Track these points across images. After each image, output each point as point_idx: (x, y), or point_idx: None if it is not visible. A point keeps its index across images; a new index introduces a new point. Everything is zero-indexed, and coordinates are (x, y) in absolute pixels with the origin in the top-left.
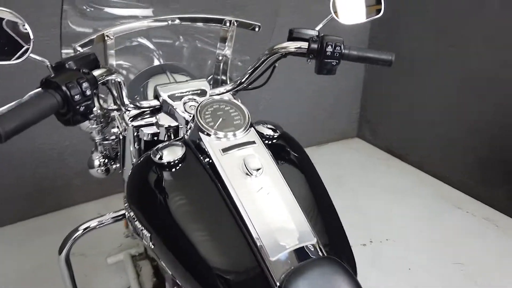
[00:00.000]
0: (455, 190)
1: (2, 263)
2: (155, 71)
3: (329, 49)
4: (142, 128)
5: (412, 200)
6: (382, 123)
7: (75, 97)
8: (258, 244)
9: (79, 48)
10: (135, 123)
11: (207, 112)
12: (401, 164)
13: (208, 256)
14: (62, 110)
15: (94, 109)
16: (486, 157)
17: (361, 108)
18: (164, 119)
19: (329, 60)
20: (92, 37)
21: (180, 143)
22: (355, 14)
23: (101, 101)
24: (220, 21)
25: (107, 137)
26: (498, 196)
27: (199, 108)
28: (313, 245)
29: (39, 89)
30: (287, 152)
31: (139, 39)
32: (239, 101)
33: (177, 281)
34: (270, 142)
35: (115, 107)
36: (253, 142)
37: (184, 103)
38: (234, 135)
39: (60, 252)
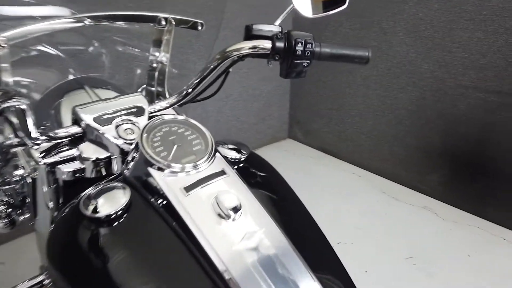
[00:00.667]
0: (390, 182)
1: None
2: (70, 87)
3: (299, 47)
4: (59, 166)
5: (353, 197)
6: (313, 122)
7: None
8: None
9: None
10: (49, 160)
11: (155, 138)
12: (336, 161)
13: None
14: None
15: None
16: (414, 146)
17: (291, 108)
18: (90, 150)
19: (299, 61)
20: None
21: (120, 185)
22: (318, 6)
23: None
24: (152, 20)
25: (7, 179)
26: (431, 183)
27: (144, 133)
28: None
29: None
30: (261, 178)
31: (44, 46)
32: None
33: None
34: (236, 167)
35: (16, 141)
36: (223, 173)
37: (117, 127)
38: (197, 166)
39: None
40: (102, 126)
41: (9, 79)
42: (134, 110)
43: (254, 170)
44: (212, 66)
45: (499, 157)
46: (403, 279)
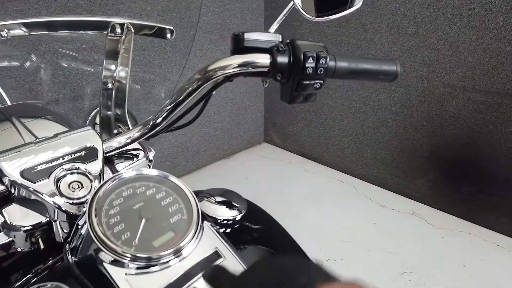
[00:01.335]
0: (375, 187)
1: None
2: None
3: (310, 63)
4: None
5: (337, 206)
6: (290, 125)
7: None
8: None
9: None
10: None
11: (112, 210)
12: (316, 166)
13: None
14: None
15: None
16: (399, 149)
17: (266, 111)
18: (18, 216)
19: (310, 82)
20: None
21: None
22: (325, 6)
23: None
24: (103, 26)
25: None
26: (418, 188)
27: (94, 204)
28: None
29: None
30: (262, 237)
31: None
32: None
33: None
34: (230, 229)
35: None
36: (217, 256)
37: (58, 181)
38: (179, 252)
39: None
40: (35, 181)
41: None
42: (82, 153)
43: (253, 231)
44: (190, 89)
45: (490, 159)
46: None
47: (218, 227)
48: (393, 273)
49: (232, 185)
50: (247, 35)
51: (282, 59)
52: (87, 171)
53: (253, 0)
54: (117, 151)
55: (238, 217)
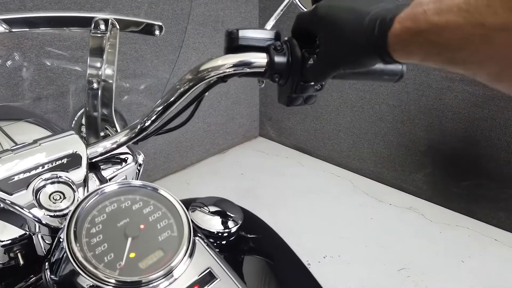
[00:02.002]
0: (372, 181)
1: None
2: None
3: (311, 63)
4: None
5: (334, 201)
6: (286, 119)
7: None
8: None
9: None
10: None
11: (93, 228)
12: (313, 160)
13: None
14: None
15: None
16: (396, 143)
17: (261, 104)
18: None
19: (309, 83)
20: None
21: None
22: None
23: None
24: (86, 22)
25: None
26: (416, 182)
27: (73, 222)
28: None
29: None
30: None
31: None
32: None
33: None
34: (225, 241)
35: None
36: (211, 276)
37: (37, 192)
38: (170, 273)
39: None
40: (12, 193)
41: None
42: (64, 160)
43: (250, 241)
44: (181, 90)
45: (488, 153)
46: None
47: (212, 240)
48: (391, 269)
49: (227, 180)
50: (242, 33)
51: (280, 59)
52: (70, 180)
53: None
54: (103, 157)
55: (234, 229)
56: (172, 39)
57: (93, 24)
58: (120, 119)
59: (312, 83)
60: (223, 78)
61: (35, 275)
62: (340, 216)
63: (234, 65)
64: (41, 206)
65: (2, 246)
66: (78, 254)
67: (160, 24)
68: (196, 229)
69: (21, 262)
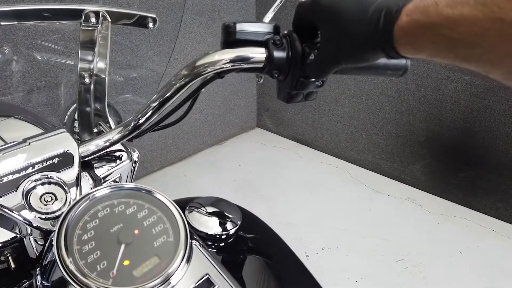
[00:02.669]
0: (370, 172)
1: None
2: None
3: (312, 58)
4: None
5: (332, 192)
6: (283, 109)
7: None
8: None
9: None
10: None
11: (85, 235)
12: (311, 151)
13: None
14: None
15: None
16: (394, 134)
17: (258, 95)
18: None
19: (309, 79)
20: None
21: None
22: None
23: None
24: (76, 15)
25: None
26: (414, 173)
27: (63, 229)
28: None
29: None
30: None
31: None
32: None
33: None
34: (223, 243)
35: None
36: (209, 283)
37: (27, 194)
38: (167, 281)
39: None
40: (1, 195)
41: None
42: (55, 160)
43: (248, 241)
44: (177, 85)
45: (486, 144)
46: (397, 287)
47: (210, 242)
48: (389, 261)
49: (224, 172)
50: (239, 26)
51: (279, 54)
52: (61, 181)
53: None
54: (96, 155)
55: (232, 231)
56: (167, 29)
57: (83, 17)
58: (114, 114)
59: (313, 79)
60: (220, 74)
61: (27, 279)
62: (338, 208)
63: (232, 61)
64: (31, 209)
65: None
66: (69, 263)
67: (154, 16)
68: (193, 233)
69: (12, 265)
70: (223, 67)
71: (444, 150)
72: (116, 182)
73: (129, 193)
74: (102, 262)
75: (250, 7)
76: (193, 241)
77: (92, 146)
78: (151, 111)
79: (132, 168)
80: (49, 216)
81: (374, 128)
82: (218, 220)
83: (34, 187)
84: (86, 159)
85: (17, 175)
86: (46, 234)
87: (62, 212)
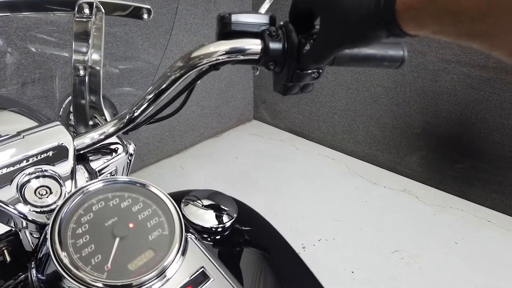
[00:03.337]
0: (366, 164)
1: None
2: None
3: (307, 48)
4: None
5: (329, 184)
6: (280, 101)
7: None
8: None
9: None
10: None
11: (79, 229)
12: (307, 143)
13: None
14: None
15: None
16: (391, 126)
17: (255, 87)
18: None
19: (307, 71)
20: None
21: None
22: None
23: None
24: (69, 5)
25: None
26: (410, 165)
27: (57, 223)
28: None
29: None
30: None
31: None
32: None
33: None
34: (219, 236)
35: None
36: (204, 276)
37: (22, 187)
38: (163, 274)
39: None
40: None
41: None
42: (50, 153)
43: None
44: (172, 77)
45: (483, 136)
46: (393, 278)
47: (206, 235)
48: (385, 252)
49: (221, 164)
50: (235, 17)
51: (275, 46)
52: (56, 174)
53: None
54: (91, 148)
55: (228, 224)
56: (162, 20)
57: (76, 8)
58: (110, 107)
59: (310, 71)
60: (215, 66)
61: (23, 272)
62: (335, 199)
63: (227, 52)
64: (26, 202)
65: None
66: (63, 257)
67: (149, 7)
68: (188, 226)
69: (8, 259)
70: (218, 59)
71: (441, 141)
72: (112, 175)
73: (123, 186)
74: (96, 256)
75: None
76: (188, 234)
77: (87, 139)
78: (146, 103)
79: (128, 161)
80: (44, 209)
81: (371, 120)
82: (214, 213)
83: (28, 181)
84: (81, 152)
85: (11, 168)
86: (41, 227)
87: (57, 205)
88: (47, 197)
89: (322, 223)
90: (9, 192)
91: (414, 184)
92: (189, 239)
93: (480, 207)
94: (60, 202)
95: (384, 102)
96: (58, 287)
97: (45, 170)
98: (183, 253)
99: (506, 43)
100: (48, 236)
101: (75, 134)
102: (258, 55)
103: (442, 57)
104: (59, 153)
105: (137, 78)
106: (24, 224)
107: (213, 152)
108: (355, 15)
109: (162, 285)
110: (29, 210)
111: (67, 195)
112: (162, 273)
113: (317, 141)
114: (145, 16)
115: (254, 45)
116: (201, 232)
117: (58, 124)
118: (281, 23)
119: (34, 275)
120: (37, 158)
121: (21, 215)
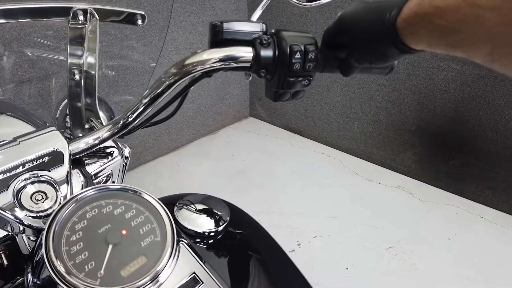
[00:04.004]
0: (361, 160)
1: None
2: None
3: (298, 58)
4: None
5: (324, 181)
6: None
7: None
8: None
9: None
10: None
11: (73, 236)
12: (303, 140)
13: None
14: None
15: None
16: (386, 122)
17: (251, 84)
18: None
19: (297, 79)
20: None
21: None
22: None
23: None
24: (64, 12)
25: None
26: (405, 162)
27: (51, 231)
28: None
29: None
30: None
31: None
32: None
33: None
34: (212, 240)
35: None
36: (195, 281)
37: (18, 192)
38: (156, 279)
39: None
40: None
41: None
42: (46, 159)
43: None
44: (167, 83)
45: (476, 132)
46: (387, 274)
47: (199, 240)
48: (379, 248)
49: (217, 161)
50: (227, 26)
51: (266, 53)
52: (52, 180)
53: None
54: (86, 152)
55: (221, 228)
56: (158, 18)
57: (71, 15)
58: (106, 109)
59: (300, 79)
60: (208, 73)
61: (20, 276)
62: (330, 196)
63: (219, 60)
64: (22, 207)
65: None
66: (57, 265)
67: (143, 13)
68: (180, 232)
69: (5, 262)
70: (211, 66)
71: (435, 138)
72: (108, 178)
73: (117, 193)
74: (90, 263)
75: None
76: (180, 239)
77: (82, 144)
78: (141, 108)
79: (124, 164)
80: (40, 214)
81: (366, 117)
82: (207, 218)
83: (24, 186)
84: (77, 156)
85: (8, 174)
86: (38, 232)
87: (54, 210)
88: (43, 202)
89: (317, 220)
90: (5, 197)
91: (408, 180)
92: (181, 244)
93: (473, 203)
94: (55, 207)
95: (379, 99)
96: None
97: (41, 176)
98: (175, 258)
99: (480, 50)
100: (43, 244)
101: (71, 138)
102: (250, 63)
103: (436, 54)
104: (55, 158)
105: (132, 76)
106: (21, 229)
107: (209, 150)
108: (374, 38)
109: None
110: (26, 215)
111: (62, 202)
112: (154, 279)
113: (312, 138)
114: (139, 21)
115: (245, 53)
116: (195, 236)
117: (54, 129)
118: (273, 31)
119: (30, 279)
120: (33, 163)
121: (18, 220)
